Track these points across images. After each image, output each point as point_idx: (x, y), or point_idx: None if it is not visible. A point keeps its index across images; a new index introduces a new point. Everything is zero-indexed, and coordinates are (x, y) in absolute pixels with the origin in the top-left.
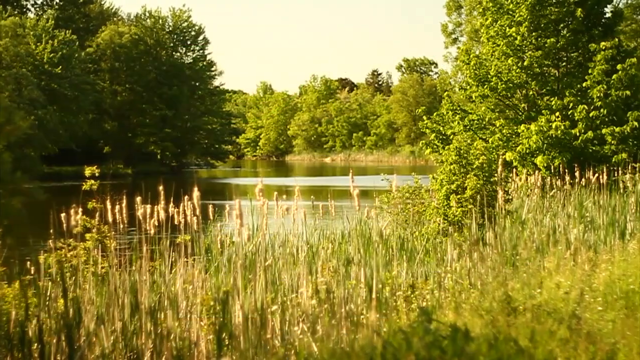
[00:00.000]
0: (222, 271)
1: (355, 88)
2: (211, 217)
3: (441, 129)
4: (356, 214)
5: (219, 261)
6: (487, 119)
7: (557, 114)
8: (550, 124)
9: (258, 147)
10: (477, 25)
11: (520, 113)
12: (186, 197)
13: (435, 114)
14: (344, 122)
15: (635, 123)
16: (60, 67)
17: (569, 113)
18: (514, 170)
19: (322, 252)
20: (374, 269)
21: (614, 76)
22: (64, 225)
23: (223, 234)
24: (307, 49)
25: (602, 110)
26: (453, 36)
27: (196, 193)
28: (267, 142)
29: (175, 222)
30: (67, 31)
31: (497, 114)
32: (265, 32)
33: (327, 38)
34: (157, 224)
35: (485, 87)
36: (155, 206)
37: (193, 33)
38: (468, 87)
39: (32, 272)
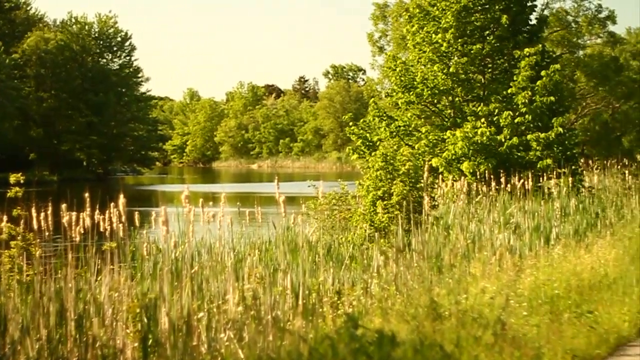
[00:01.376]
0: (149, 278)
1: (282, 94)
2: (137, 224)
3: (368, 135)
4: (283, 220)
5: (146, 268)
6: (413, 126)
7: (483, 120)
8: (476, 130)
9: (185, 154)
10: (404, 32)
11: (446, 119)
12: (112, 204)
13: (361, 120)
14: (271, 129)
15: (560, 129)
16: None
17: (495, 119)
18: (440, 176)
19: (249, 259)
20: (300, 276)
21: (539, 82)
22: None
23: (149, 241)
24: (233, 56)
25: (527, 116)
26: (379, 45)
27: (122, 200)
28: (193, 148)
29: (101, 229)
30: None
31: (423, 120)
32: (192, 39)
33: (254, 44)
34: (82, 231)
35: (411, 93)
36: (81, 213)
37: (119, 39)
38: (394, 93)
39: None
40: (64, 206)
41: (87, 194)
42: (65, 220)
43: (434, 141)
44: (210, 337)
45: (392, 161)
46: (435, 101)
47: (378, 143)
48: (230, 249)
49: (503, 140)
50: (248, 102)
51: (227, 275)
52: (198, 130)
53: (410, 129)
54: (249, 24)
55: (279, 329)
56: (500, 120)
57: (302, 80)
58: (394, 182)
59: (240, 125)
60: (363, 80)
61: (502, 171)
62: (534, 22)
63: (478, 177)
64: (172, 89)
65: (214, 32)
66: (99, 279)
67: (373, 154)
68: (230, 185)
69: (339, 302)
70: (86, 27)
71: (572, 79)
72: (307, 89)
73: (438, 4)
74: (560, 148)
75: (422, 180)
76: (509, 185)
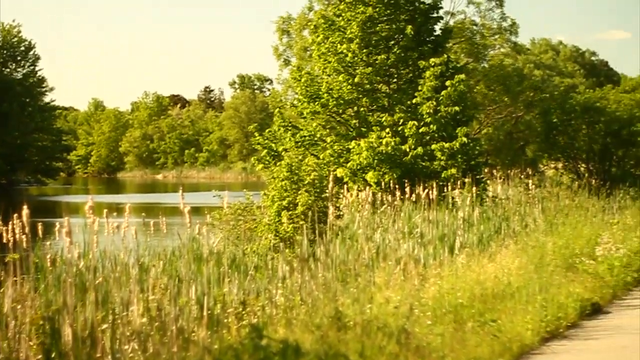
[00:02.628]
0: (52, 290)
1: (187, 104)
2: (41, 235)
3: (273, 145)
4: (188, 231)
5: (49, 280)
6: (318, 136)
7: (388, 130)
8: (381, 140)
9: (89, 164)
10: (308, 42)
11: (351, 129)
12: (15, 215)
13: (267, 130)
14: (176, 139)
15: (464, 139)
16: None
17: (400, 129)
18: (345, 186)
19: (153, 270)
20: (205, 286)
21: (443, 92)
22: None
23: (53, 252)
24: (139, 66)
25: (431, 126)
26: (284, 57)
27: (25, 211)
28: (98, 159)
29: (4, 241)
30: None
31: (328, 130)
32: (97, 48)
33: (159, 54)
34: None
35: (316, 103)
36: None
37: (23, 48)
38: (299, 103)
39: None
40: None
41: None
42: None
43: (339, 151)
44: (114, 349)
45: (297, 171)
46: (341, 111)
47: (283, 153)
48: (134, 260)
49: (408, 150)
50: (153, 112)
51: (131, 286)
52: (103, 141)
53: (316, 139)
54: (154, 34)
55: (184, 340)
56: (405, 130)
57: (208, 90)
58: (299, 192)
59: (145, 136)
60: (269, 90)
61: (406, 181)
62: (438, 32)
63: (383, 186)
64: (77, 99)
65: (118, 41)
66: (1, 290)
67: (278, 164)
68: (135, 196)
69: (243, 312)
70: None
71: (477, 88)
72: (212, 99)
73: (343, 15)
74: (464, 157)
75: (327, 190)
76: (413, 195)
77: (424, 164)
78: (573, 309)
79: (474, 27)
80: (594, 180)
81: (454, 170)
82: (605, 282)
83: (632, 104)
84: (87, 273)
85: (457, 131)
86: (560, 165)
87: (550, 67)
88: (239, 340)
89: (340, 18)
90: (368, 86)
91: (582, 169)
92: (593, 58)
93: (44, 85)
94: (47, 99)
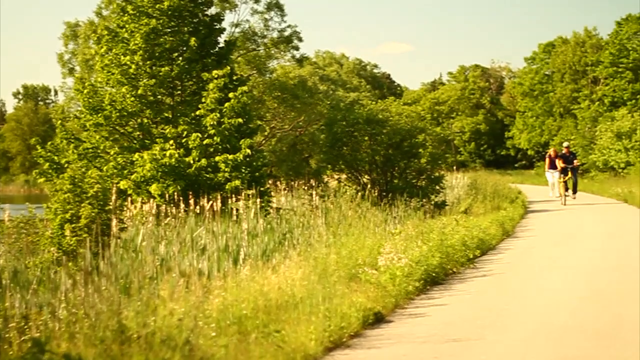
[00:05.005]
0: None
1: None
2: None
3: (55, 157)
4: None
5: None
6: (102, 148)
7: (172, 142)
8: (164, 152)
9: None
10: (92, 53)
11: (135, 141)
12: None
13: (49, 143)
14: None
15: (248, 150)
16: None
17: (184, 141)
18: (129, 198)
19: None
20: None
21: (227, 104)
22: None
23: None
24: None
25: (215, 138)
26: (69, 66)
27: None
28: None
29: None
30: None
31: (111, 142)
32: None
33: None
34: None
35: (99, 115)
36: None
37: None
38: (82, 115)
39: None
40: None
41: None
42: None
43: (123, 163)
44: None
45: (80, 184)
46: (124, 123)
47: (66, 165)
48: None
49: (192, 162)
50: None
51: None
52: None
53: (99, 151)
54: None
55: None
56: (189, 142)
57: None
58: (82, 204)
59: None
60: (53, 102)
61: (191, 193)
62: (222, 44)
63: (167, 199)
64: None
65: None
66: None
67: (61, 176)
68: None
69: (25, 327)
70: None
71: (261, 100)
72: None
73: (127, 26)
74: (248, 169)
75: (110, 203)
76: (197, 207)
77: (208, 175)
78: (356, 318)
79: (257, 38)
80: (376, 191)
81: (237, 182)
82: (387, 291)
83: (414, 116)
84: None
85: (240, 143)
86: (344, 176)
87: (335, 80)
88: (21, 355)
89: (124, 29)
90: (152, 98)
91: (365, 180)
92: (375, 70)
93: None
94: None
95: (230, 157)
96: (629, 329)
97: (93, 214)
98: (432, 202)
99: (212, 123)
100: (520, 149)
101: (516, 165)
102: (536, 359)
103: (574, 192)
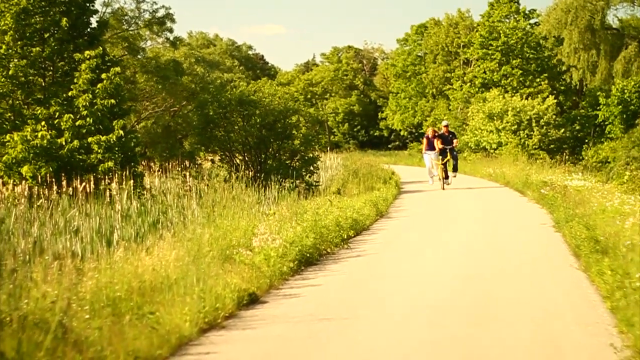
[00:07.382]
0: None
1: None
2: None
3: None
4: None
5: None
6: None
7: (43, 123)
8: (36, 133)
9: None
10: None
11: (6, 123)
12: None
13: None
14: None
15: (121, 132)
16: None
17: (56, 122)
18: (1, 180)
19: None
20: None
21: (99, 85)
22: None
23: None
24: None
25: (88, 119)
26: None
27: None
28: None
29: None
30: None
31: None
32: None
33: None
34: None
35: None
36: None
37: None
38: None
39: None
40: None
41: None
42: None
43: None
44: None
45: None
46: None
47: None
48: None
49: (64, 143)
50: None
51: None
52: None
53: None
54: None
55: None
56: (61, 124)
57: None
58: None
59: None
60: None
61: (63, 174)
62: (94, 25)
63: (39, 180)
64: None
65: None
66: None
67: None
68: None
69: None
70: None
71: (134, 81)
72: None
73: None
74: (121, 150)
75: None
76: (70, 189)
77: (80, 157)
78: (231, 299)
79: (129, 19)
80: (250, 173)
81: (111, 164)
82: (262, 272)
83: (287, 97)
84: None
85: (113, 124)
86: (217, 157)
87: (211, 62)
88: None
89: None
90: (23, 79)
91: (238, 161)
92: (249, 52)
93: None
94: None
95: (103, 138)
96: (503, 309)
97: None
98: (305, 183)
99: (84, 104)
100: (393, 130)
101: (390, 146)
102: (410, 336)
103: (454, 170)
